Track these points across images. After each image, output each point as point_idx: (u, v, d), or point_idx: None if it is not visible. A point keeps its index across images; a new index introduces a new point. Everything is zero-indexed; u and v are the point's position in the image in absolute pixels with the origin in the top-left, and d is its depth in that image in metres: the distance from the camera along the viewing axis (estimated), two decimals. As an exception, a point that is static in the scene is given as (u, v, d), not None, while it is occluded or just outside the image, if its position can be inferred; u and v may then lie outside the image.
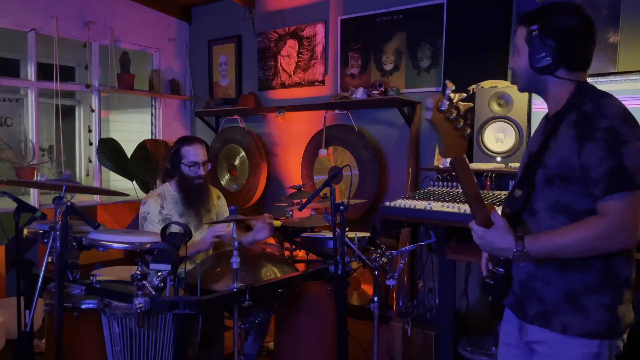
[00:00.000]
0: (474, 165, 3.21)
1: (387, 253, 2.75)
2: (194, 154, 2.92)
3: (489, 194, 2.93)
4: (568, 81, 1.52)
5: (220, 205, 3.18)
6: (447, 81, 1.29)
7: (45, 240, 2.32)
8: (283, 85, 4.83)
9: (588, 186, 1.40)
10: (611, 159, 1.36)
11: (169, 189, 3.00)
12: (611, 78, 2.79)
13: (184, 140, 2.99)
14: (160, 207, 2.91)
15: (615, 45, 3.10)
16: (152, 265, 2.08)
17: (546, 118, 1.63)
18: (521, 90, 1.65)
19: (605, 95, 1.48)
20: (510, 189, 2.99)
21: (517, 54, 1.58)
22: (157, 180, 4.89)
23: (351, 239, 2.76)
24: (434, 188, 3.20)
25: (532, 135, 1.75)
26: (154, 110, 5.43)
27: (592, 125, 1.39)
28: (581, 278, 1.46)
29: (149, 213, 2.89)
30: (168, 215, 2.91)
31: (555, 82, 1.53)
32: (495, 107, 3.19)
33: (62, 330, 2.13)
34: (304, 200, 3.10)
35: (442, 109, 1.28)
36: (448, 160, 3.31)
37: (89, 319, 2.40)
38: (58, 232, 2.17)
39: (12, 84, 5.27)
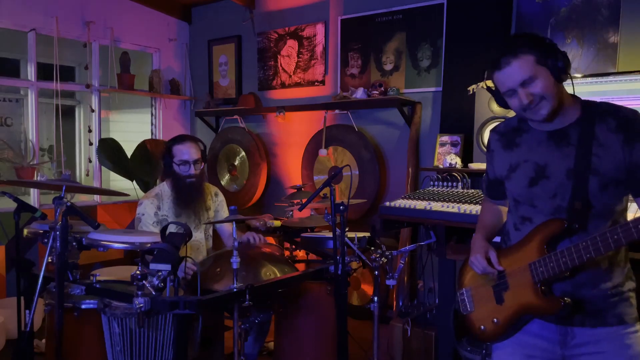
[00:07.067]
0: (474, 165, 3.21)
1: (387, 253, 2.75)
2: (184, 152, 2.87)
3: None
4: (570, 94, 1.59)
5: (218, 203, 3.14)
6: None
7: (45, 240, 2.32)
8: (283, 85, 4.83)
9: (636, 185, 1.51)
10: None
11: (165, 188, 2.95)
12: (611, 78, 2.78)
13: (175, 139, 2.95)
14: (156, 208, 2.88)
15: (615, 46, 3.10)
16: (152, 265, 2.08)
17: (555, 132, 1.59)
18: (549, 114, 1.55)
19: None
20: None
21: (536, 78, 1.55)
22: (157, 180, 4.92)
23: (351, 239, 2.76)
24: (434, 188, 3.20)
25: (523, 149, 1.67)
26: (154, 110, 5.43)
27: (638, 127, 1.50)
28: (621, 273, 1.59)
29: (143, 214, 2.86)
30: (164, 216, 2.88)
31: (565, 94, 1.57)
32: (495, 107, 3.19)
33: (62, 330, 2.13)
34: (304, 200, 3.10)
35: None
36: (448, 161, 3.31)
37: (89, 319, 2.39)
38: (58, 232, 2.17)
39: (12, 84, 5.26)
